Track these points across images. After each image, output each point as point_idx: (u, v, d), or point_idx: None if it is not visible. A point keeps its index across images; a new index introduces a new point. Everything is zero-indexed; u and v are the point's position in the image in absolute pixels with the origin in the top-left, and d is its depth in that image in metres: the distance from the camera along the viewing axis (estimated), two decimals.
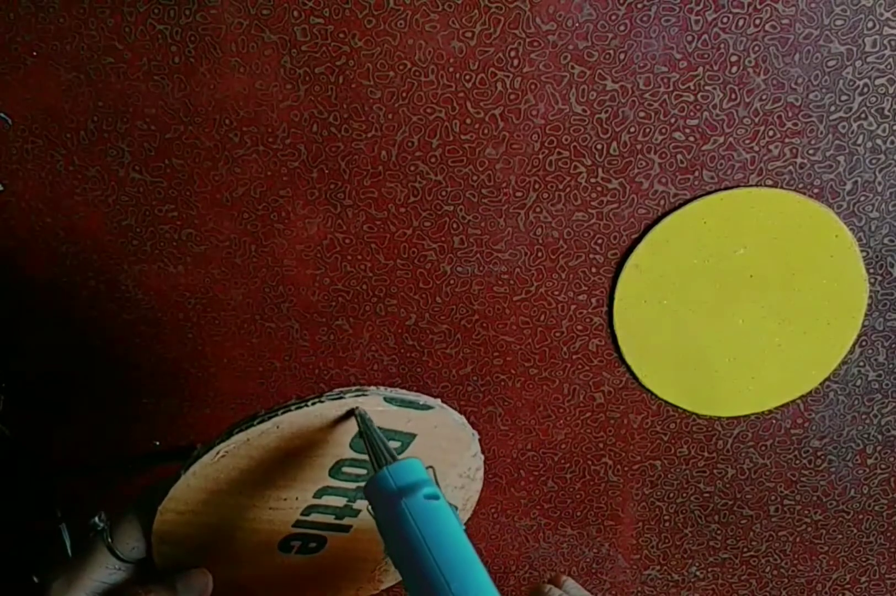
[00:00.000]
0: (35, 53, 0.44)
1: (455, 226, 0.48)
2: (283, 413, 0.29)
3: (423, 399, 0.32)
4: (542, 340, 0.50)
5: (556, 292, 0.49)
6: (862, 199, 0.47)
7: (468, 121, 0.45)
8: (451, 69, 0.44)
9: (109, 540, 0.31)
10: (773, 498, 0.54)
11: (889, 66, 0.44)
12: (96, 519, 0.31)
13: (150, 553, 0.32)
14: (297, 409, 0.30)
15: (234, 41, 0.43)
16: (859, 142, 0.46)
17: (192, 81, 0.44)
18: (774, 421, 0.52)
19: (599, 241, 0.48)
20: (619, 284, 0.48)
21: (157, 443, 0.54)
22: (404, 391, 0.32)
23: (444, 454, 0.36)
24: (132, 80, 0.44)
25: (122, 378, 0.52)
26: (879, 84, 0.44)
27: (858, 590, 0.57)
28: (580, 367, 0.51)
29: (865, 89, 0.44)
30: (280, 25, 0.43)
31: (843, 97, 0.45)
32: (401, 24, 0.43)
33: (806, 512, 0.55)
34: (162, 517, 0.31)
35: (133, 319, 0.50)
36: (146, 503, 0.31)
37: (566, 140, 0.46)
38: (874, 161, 0.46)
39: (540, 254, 0.48)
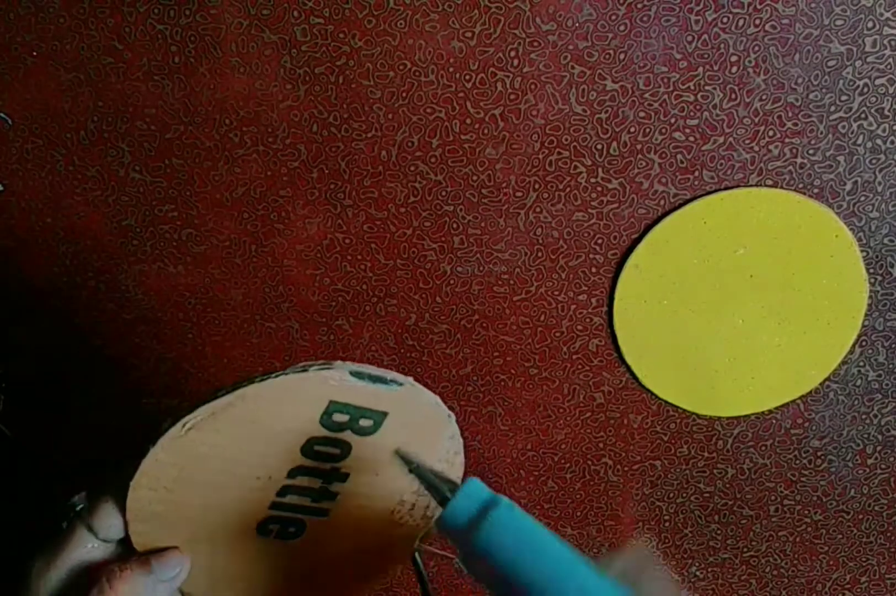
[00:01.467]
0: (35, 53, 0.44)
1: (455, 226, 0.48)
2: (246, 385, 0.30)
3: (392, 375, 0.32)
4: (542, 340, 0.50)
5: (556, 292, 0.49)
6: (862, 199, 0.47)
7: (468, 121, 0.45)
8: (451, 69, 0.44)
9: (88, 519, 0.31)
10: (773, 498, 0.54)
11: (889, 66, 0.44)
12: (75, 499, 0.31)
13: (127, 533, 0.32)
14: (260, 381, 0.30)
15: (234, 41, 0.43)
16: (859, 142, 0.46)
17: (192, 81, 0.44)
18: (774, 421, 0.52)
19: (599, 241, 0.48)
20: (619, 284, 0.48)
21: None
22: (372, 367, 0.32)
23: (420, 435, 0.35)
24: (132, 80, 0.44)
25: (122, 378, 0.52)
26: (879, 84, 0.44)
27: (858, 590, 0.57)
28: (580, 367, 0.51)
29: (865, 89, 0.44)
30: (280, 25, 0.43)
31: (843, 97, 0.45)
32: (401, 24, 0.43)
33: (806, 512, 0.55)
34: (135, 494, 0.31)
35: (133, 318, 0.50)
36: (122, 482, 0.31)
37: (566, 140, 0.46)
38: (874, 161, 0.46)
39: (540, 254, 0.48)
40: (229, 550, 0.35)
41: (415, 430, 0.35)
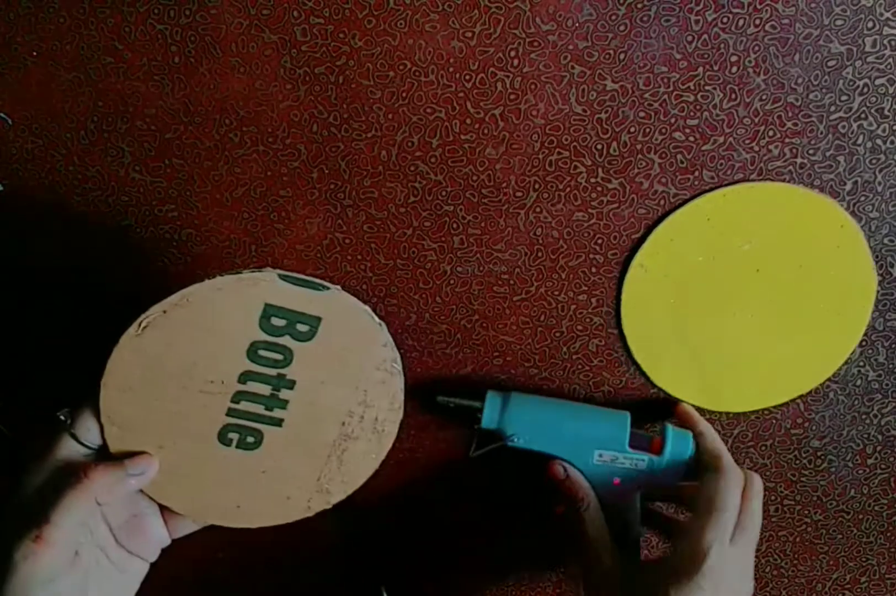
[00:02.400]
0: (35, 53, 0.44)
1: (455, 226, 0.48)
2: (189, 286, 0.35)
3: (319, 281, 0.36)
4: (542, 340, 0.50)
5: (557, 292, 0.49)
6: (862, 199, 0.47)
7: (468, 121, 0.45)
8: (451, 69, 0.44)
9: (71, 428, 0.36)
10: (773, 498, 0.54)
11: (889, 66, 0.44)
12: (60, 412, 0.36)
13: (104, 437, 0.36)
14: (201, 282, 0.34)
15: (234, 41, 0.43)
16: (859, 142, 0.46)
17: (192, 81, 0.44)
18: (774, 421, 0.52)
19: (599, 241, 0.48)
20: (625, 284, 0.48)
21: None
22: (301, 274, 0.35)
23: (355, 342, 0.38)
24: (132, 80, 0.44)
25: None
26: (879, 84, 0.44)
27: (858, 590, 0.57)
28: (580, 367, 0.51)
29: (865, 89, 0.44)
30: (280, 25, 0.43)
31: (843, 97, 0.45)
32: (401, 24, 0.43)
33: (806, 512, 0.55)
34: (105, 394, 0.35)
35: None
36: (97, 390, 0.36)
37: (566, 140, 0.46)
38: (874, 161, 0.46)
39: (540, 254, 0.48)
40: (193, 458, 0.38)
41: (350, 337, 0.38)
